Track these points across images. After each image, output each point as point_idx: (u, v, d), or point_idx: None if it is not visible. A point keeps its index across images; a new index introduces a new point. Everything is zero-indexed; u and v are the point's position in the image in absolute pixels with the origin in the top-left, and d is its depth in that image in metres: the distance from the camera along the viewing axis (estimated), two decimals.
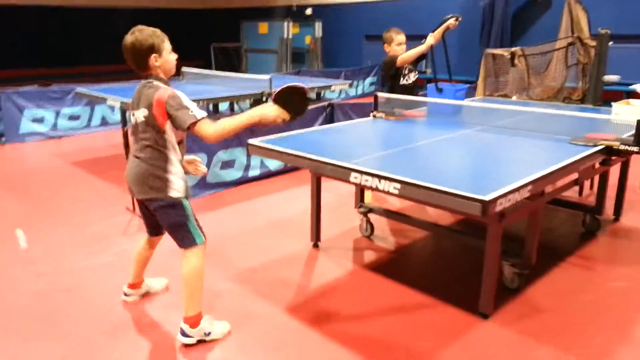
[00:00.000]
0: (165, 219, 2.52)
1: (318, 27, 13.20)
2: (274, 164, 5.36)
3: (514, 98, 4.89)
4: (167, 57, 2.46)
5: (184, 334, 2.53)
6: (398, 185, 2.44)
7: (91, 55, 13.91)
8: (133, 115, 2.48)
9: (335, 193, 4.75)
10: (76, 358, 2.49)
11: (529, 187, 2.38)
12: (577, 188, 4.64)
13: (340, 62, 13.12)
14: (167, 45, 2.45)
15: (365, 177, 2.58)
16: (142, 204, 2.62)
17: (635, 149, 2.92)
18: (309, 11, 13.68)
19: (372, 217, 3.88)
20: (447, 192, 2.26)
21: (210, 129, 2.36)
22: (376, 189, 2.58)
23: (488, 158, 3.07)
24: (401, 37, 4.43)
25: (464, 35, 10.83)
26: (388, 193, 2.52)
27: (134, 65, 2.45)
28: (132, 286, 2.98)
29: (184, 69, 6.84)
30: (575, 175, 3.19)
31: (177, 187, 2.46)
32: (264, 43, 13.52)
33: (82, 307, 2.92)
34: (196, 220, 2.55)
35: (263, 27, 13.56)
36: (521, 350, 2.54)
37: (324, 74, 10.60)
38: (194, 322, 2.51)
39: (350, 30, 13.06)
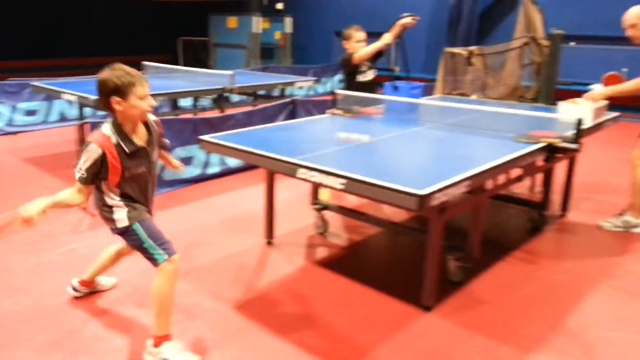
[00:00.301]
0: (126, 242, 2.56)
1: (288, 22, 13.16)
2: (234, 161, 5.35)
3: (474, 97, 4.98)
4: (134, 103, 2.31)
5: (146, 351, 2.46)
6: (343, 181, 2.48)
7: (50, 47, 13.56)
8: None
9: (294, 191, 4.78)
10: None
11: (467, 183, 2.44)
12: (527, 184, 4.78)
13: (310, 58, 13.13)
14: (138, 90, 2.30)
15: (311, 173, 2.61)
16: None
17: (574, 146, 3.02)
18: (280, 6, 13.63)
19: (328, 214, 3.91)
20: (387, 187, 2.31)
21: (75, 189, 2.36)
22: (322, 185, 2.61)
23: (435, 154, 3.14)
24: (360, 35, 4.46)
25: (432, 33, 10.99)
26: (334, 189, 2.56)
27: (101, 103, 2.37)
28: (85, 283, 2.96)
29: (145, 62, 6.76)
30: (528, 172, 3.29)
31: (120, 217, 2.43)
32: (232, 38, 13.40)
33: (28, 307, 2.88)
34: (157, 237, 2.44)
35: (232, 22, 13.43)
36: (458, 341, 2.61)
37: (291, 71, 10.60)
38: (157, 342, 2.42)
39: (320, 27, 13.07)
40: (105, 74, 2.30)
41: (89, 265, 2.94)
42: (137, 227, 2.43)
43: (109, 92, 2.28)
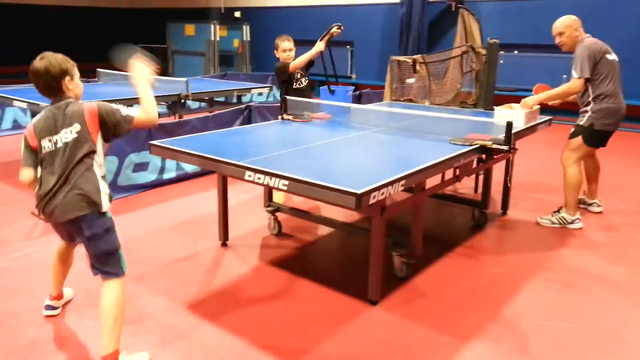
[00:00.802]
0: (98, 246, 2.40)
1: (246, 30, 13.26)
2: (190, 167, 5.41)
3: (426, 104, 5.20)
4: (78, 82, 2.49)
5: None
6: (286, 182, 2.61)
7: (8, 55, 13.24)
8: (52, 140, 2.34)
9: (250, 194, 4.89)
10: None
11: (402, 182, 2.61)
12: (471, 185, 5.03)
13: (269, 65, 13.19)
14: (77, 71, 2.48)
15: (258, 175, 2.73)
16: (74, 227, 2.41)
17: (505, 147, 3.24)
18: (237, 14, 13.71)
19: (281, 215, 4.04)
20: (327, 187, 2.45)
21: (144, 117, 2.47)
22: (268, 186, 2.73)
23: (376, 156, 3.31)
24: (286, 44, 4.77)
25: (385, 42, 11.29)
26: (278, 189, 2.68)
27: (46, 89, 2.40)
28: (56, 297, 2.90)
29: (99, 69, 6.73)
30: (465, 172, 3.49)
31: (106, 199, 2.40)
32: (190, 45, 13.40)
33: None
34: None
35: (189, 29, 13.44)
36: (401, 332, 2.77)
37: (250, 78, 10.68)
38: (114, 359, 2.37)
39: (278, 34, 13.17)
40: (48, 60, 2.36)
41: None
42: (114, 225, 2.46)
43: (60, 75, 2.37)
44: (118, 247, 2.45)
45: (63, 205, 2.33)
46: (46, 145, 2.36)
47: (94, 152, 2.37)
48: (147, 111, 2.47)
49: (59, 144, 2.34)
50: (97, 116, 2.36)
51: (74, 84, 2.45)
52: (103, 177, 2.45)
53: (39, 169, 2.41)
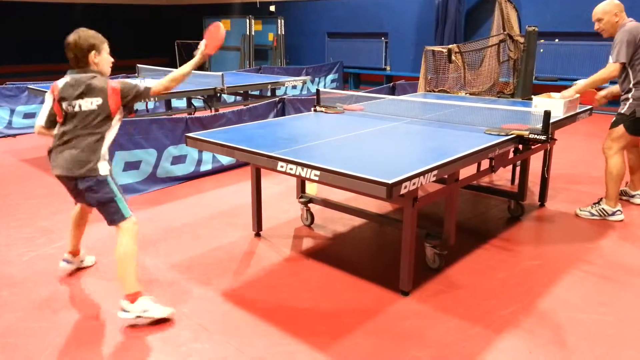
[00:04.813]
0: (93, 197, 2.73)
1: (281, 24, 13.32)
2: (226, 159, 5.51)
3: (462, 94, 5.13)
4: (105, 57, 2.77)
5: (123, 309, 2.69)
6: (318, 173, 2.64)
7: (47, 52, 13.72)
8: (71, 104, 2.65)
9: (284, 185, 4.94)
10: (19, 333, 2.63)
11: (434, 172, 2.59)
12: (508, 177, 4.94)
13: (303, 59, 13.28)
14: (106, 47, 2.76)
15: (290, 165, 2.77)
16: (71, 183, 2.77)
17: (542, 137, 3.17)
18: (272, 8, 13.80)
19: (314, 207, 4.07)
20: (358, 177, 2.46)
21: (160, 87, 2.83)
22: (300, 176, 2.77)
23: (409, 147, 3.29)
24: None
25: (420, 33, 11.14)
26: (310, 179, 2.71)
27: (74, 61, 2.70)
28: (72, 253, 3.22)
29: (139, 65, 6.91)
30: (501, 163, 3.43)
31: (104, 166, 2.72)
32: (226, 40, 13.47)
33: (24, 295, 3.04)
34: (123, 193, 2.80)
35: (225, 24, 13.61)
36: (433, 322, 2.77)
37: (285, 71, 10.76)
38: (132, 298, 2.68)
39: (312, 28, 13.22)
40: (78, 35, 2.67)
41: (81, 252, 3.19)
42: (110, 180, 2.75)
43: (87, 49, 2.67)
44: (113, 196, 2.71)
45: (65, 162, 2.67)
46: (65, 107, 2.68)
47: (108, 124, 2.71)
48: (164, 85, 2.83)
49: (77, 109, 2.65)
50: (120, 93, 2.68)
51: (101, 58, 2.73)
52: (109, 146, 2.77)
53: (57, 126, 2.74)
